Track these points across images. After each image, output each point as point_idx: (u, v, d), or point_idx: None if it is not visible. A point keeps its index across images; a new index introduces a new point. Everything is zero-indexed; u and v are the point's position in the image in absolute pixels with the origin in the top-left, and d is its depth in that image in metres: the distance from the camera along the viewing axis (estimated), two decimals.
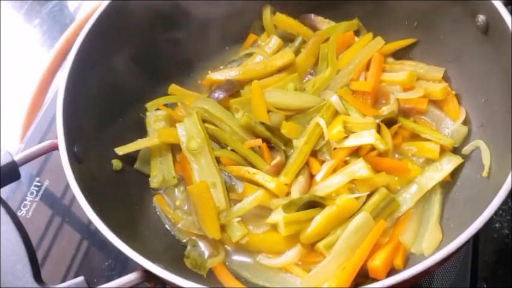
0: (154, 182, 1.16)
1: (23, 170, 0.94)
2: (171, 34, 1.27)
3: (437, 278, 1.11)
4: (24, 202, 1.30)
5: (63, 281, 1.15)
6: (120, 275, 1.15)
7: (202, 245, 1.08)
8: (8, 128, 1.53)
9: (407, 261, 1.01)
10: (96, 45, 1.09)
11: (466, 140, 1.12)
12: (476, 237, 1.15)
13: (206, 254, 1.06)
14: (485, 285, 1.15)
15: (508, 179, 0.84)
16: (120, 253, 0.86)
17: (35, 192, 1.31)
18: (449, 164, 1.09)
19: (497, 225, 1.23)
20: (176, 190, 1.17)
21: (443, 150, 1.11)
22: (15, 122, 1.50)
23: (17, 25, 1.81)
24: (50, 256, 1.22)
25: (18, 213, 1.25)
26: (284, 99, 1.20)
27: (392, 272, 0.99)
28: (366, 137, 1.07)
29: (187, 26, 1.28)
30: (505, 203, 1.18)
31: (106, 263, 1.21)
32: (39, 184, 1.32)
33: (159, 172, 1.16)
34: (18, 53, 1.75)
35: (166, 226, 1.12)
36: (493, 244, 1.21)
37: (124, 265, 1.20)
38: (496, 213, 1.17)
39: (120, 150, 1.13)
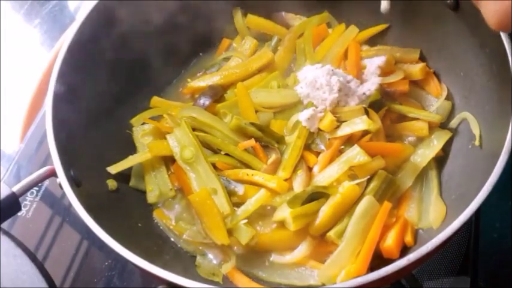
0: (151, 197, 1.14)
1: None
2: (145, 44, 1.25)
3: (438, 278, 1.12)
4: (24, 202, 1.27)
5: (63, 281, 1.16)
6: (120, 275, 1.17)
7: (211, 253, 1.07)
8: (8, 128, 1.50)
9: (417, 237, 1.03)
10: (75, 64, 1.08)
11: (452, 114, 1.15)
12: (476, 237, 1.16)
13: (217, 261, 1.06)
14: (485, 285, 1.14)
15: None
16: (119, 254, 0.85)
17: (35, 192, 1.29)
18: (440, 139, 1.12)
19: (497, 225, 1.23)
20: (174, 201, 1.14)
21: (431, 127, 1.14)
22: (15, 122, 1.47)
23: (17, 25, 1.78)
24: (50, 256, 1.20)
25: (18, 214, 1.20)
26: (270, 97, 1.20)
27: (403, 251, 1.01)
28: (359, 123, 1.09)
29: (160, 35, 1.27)
30: (505, 203, 1.23)
31: (106, 263, 1.19)
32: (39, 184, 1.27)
33: (155, 186, 1.14)
34: (18, 53, 1.72)
35: (172, 239, 1.10)
36: (493, 244, 1.21)
37: (124, 265, 1.19)
38: (496, 212, 1.21)
39: (113, 169, 1.11)
